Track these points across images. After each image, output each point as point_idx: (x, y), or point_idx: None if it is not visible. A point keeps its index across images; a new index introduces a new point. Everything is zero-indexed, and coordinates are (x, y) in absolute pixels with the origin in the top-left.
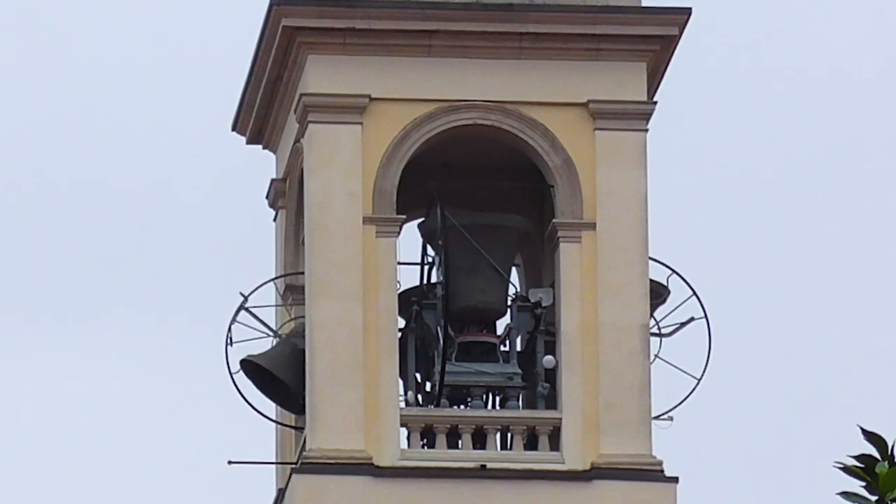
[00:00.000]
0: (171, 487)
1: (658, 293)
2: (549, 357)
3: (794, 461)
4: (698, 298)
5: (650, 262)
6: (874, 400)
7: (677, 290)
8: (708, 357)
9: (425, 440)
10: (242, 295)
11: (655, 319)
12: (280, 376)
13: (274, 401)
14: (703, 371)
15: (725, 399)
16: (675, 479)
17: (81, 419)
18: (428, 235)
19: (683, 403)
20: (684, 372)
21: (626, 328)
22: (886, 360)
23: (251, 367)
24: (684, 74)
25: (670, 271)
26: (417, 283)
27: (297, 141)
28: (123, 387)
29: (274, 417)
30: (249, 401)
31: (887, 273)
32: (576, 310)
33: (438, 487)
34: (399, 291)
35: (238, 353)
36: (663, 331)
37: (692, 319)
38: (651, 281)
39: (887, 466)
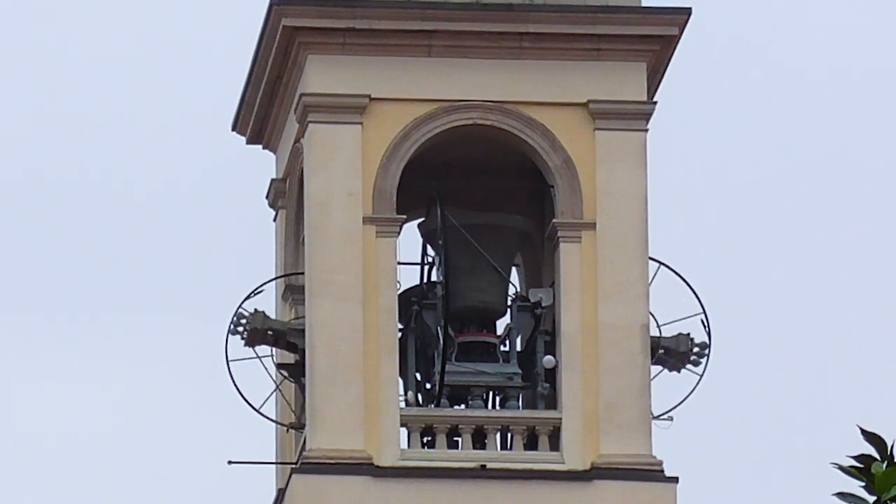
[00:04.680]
0: (171, 487)
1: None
2: (549, 357)
3: (794, 461)
4: (698, 298)
5: (650, 262)
6: (874, 400)
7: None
8: (707, 357)
9: (425, 440)
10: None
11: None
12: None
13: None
14: (703, 371)
15: (725, 399)
16: (675, 479)
17: (81, 419)
18: (428, 235)
19: (683, 403)
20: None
21: (626, 328)
22: (886, 360)
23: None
24: (684, 74)
25: (668, 269)
26: (417, 283)
27: (297, 141)
28: (123, 387)
29: (274, 417)
30: (250, 401)
31: (887, 273)
32: (576, 310)
33: (438, 487)
34: (399, 291)
35: (238, 353)
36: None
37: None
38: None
39: (884, 466)
